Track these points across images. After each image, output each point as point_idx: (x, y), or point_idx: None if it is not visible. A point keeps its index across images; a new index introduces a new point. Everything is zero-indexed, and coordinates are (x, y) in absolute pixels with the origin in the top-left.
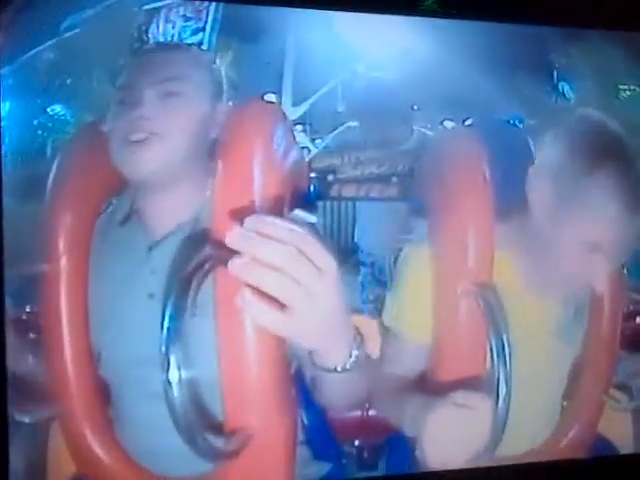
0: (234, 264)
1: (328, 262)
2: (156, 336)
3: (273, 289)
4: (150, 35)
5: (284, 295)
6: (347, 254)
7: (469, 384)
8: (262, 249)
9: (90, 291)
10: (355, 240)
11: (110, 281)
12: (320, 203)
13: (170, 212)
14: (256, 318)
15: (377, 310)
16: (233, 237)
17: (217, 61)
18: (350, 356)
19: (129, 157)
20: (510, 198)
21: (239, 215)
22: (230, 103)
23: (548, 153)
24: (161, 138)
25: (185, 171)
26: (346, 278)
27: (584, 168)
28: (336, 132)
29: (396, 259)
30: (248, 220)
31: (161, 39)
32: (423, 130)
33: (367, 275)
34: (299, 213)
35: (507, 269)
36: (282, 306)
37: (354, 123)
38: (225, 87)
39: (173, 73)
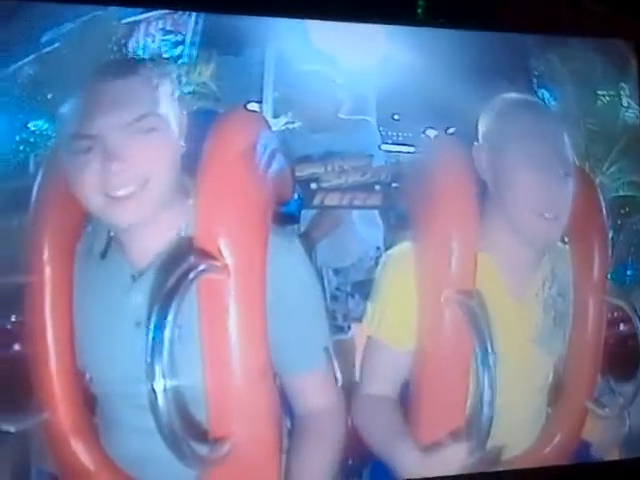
0: None
1: None
2: (144, 361)
3: None
4: (130, 49)
5: None
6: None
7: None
8: None
9: (75, 314)
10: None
11: (96, 309)
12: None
13: (152, 241)
14: None
15: (359, 321)
16: None
17: (158, 72)
18: None
19: (114, 211)
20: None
21: (224, 225)
22: (184, 112)
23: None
24: (146, 183)
25: (165, 201)
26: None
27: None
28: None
29: (377, 267)
30: None
31: (140, 53)
32: (405, 139)
33: (350, 285)
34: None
35: (489, 270)
36: None
37: (335, 132)
38: (175, 95)
39: (142, 109)
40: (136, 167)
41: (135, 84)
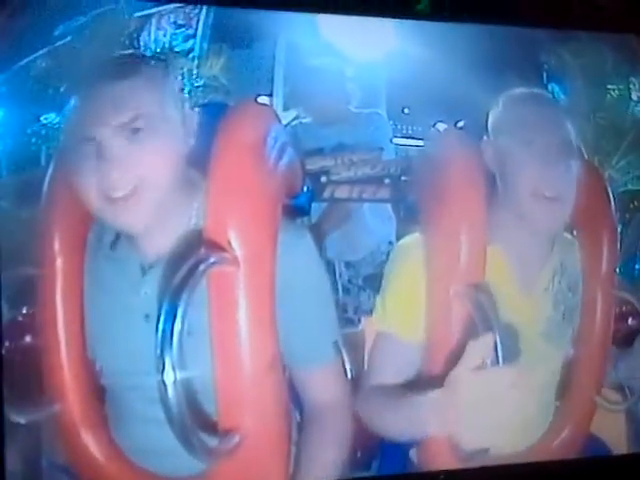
0: None
1: None
2: (153, 354)
3: None
4: (141, 43)
5: None
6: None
7: None
8: None
9: (86, 305)
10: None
11: (106, 301)
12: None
13: (162, 235)
14: None
15: (369, 314)
16: None
17: (167, 66)
18: None
19: (118, 214)
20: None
21: (234, 217)
22: (196, 109)
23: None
24: (142, 183)
25: (171, 196)
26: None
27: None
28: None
29: (387, 260)
30: None
31: (152, 47)
32: (415, 133)
33: (361, 278)
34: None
35: (499, 263)
36: None
37: (346, 125)
38: (184, 92)
39: (138, 111)
40: (131, 169)
41: (136, 85)
